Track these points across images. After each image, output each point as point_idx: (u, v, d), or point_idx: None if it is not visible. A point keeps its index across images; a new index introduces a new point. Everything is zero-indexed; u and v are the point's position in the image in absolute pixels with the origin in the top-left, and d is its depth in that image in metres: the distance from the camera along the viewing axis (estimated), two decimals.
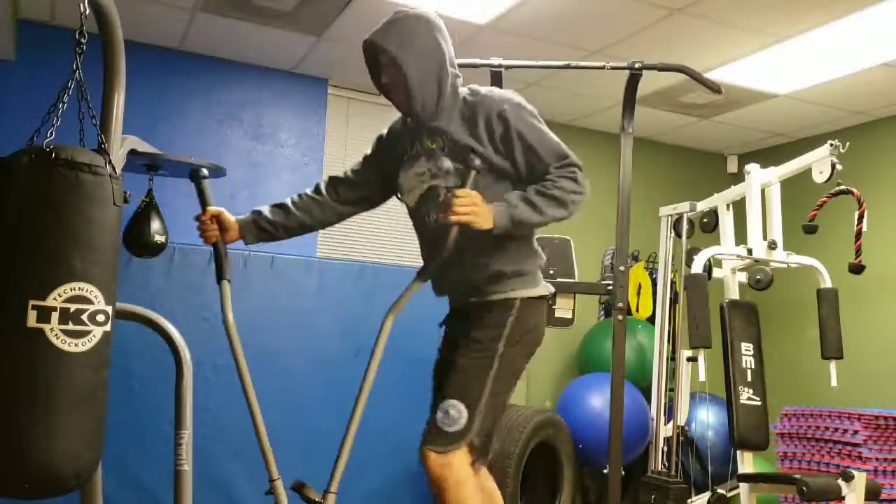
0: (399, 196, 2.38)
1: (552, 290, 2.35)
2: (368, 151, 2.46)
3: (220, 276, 2.34)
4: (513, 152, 2.17)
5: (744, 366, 3.86)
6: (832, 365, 3.95)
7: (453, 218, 2.08)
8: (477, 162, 2.14)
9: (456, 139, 2.18)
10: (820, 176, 3.92)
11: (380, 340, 2.27)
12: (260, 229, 2.40)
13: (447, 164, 2.17)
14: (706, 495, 4.02)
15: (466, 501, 2.10)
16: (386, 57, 2.15)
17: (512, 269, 2.21)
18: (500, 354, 2.16)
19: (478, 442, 2.14)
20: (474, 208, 2.08)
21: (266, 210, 2.42)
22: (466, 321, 2.24)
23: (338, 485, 2.22)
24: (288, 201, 2.44)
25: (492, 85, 3.60)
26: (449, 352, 2.30)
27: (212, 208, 2.37)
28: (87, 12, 1.94)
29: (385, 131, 2.43)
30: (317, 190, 2.46)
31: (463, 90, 2.24)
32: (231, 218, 2.38)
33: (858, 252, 3.91)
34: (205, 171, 2.40)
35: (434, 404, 2.33)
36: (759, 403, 3.82)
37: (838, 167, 3.85)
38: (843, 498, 3.39)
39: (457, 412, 2.09)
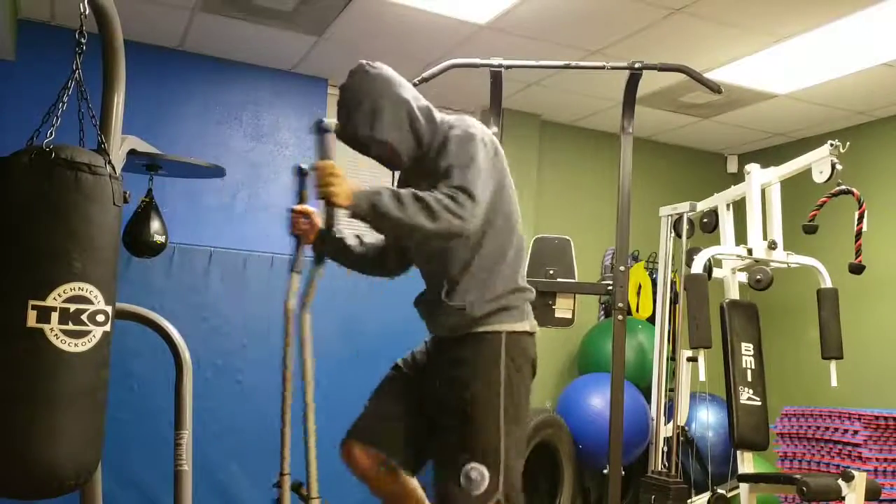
0: None
1: (536, 328, 2.27)
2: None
3: (291, 268, 2.45)
4: (437, 165, 2.13)
5: (744, 366, 3.86)
6: (832, 365, 3.95)
7: (318, 189, 2.07)
8: (326, 121, 2.16)
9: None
10: (820, 176, 3.92)
11: (305, 339, 2.28)
12: (341, 244, 2.44)
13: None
14: (706, 495, 4.02)
15: None
16: (364, 139, 2.19)
17: (495, 303, 2.17)
18: (503, 406, 2.11)
19: (504, 495, 2.11)
20: (331, 179, 2.05)
21: (350, 236, 2.47)
22: (449, 360, 2.19)
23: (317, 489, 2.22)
24: (367, 238, 2.49)
25: (492, 84, 3.60)
26: (426, 378, 2.25)
27: (306, 206, 2.43)
28: (87, 12, 1.94)
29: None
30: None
31: (440, 118, 2.25)
32: (318, 221, 2.40)
33: (858, 252, 3.91)
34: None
35: (378, 400, 2.31)
36: (759, 403, 3.82)
37: (838, 167, 3.85)
38: (844, 498, 3.39)
39: (478, 475, 2.06)
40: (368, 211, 2.03)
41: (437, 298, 2.19)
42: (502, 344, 2.15)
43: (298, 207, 2.44)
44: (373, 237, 2.45)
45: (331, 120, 2.24)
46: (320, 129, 2.24)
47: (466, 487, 2.06)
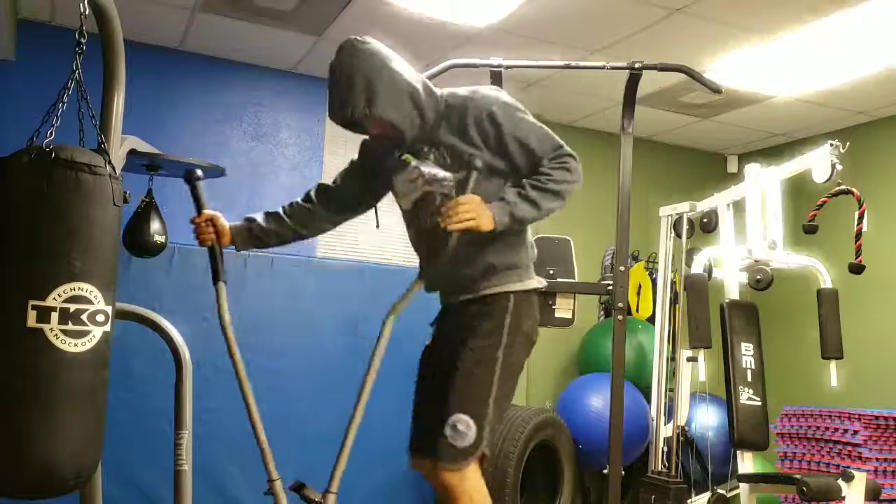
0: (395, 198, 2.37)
1: (544, 283, 2.33)
2: (355, 156, 2.45)
3: (215, 279, 2.34)
4: (508, 152, 2.18)
5: (744, 366, 3.86)
6: (832, 365, 3.95)
7: (458, 225, 2.08)
8: (478, 163, 2.15)
9: (448, 146, 2.18)
10: (820, 176, 3.92)
11: (381, 342, 2.27)
12: (252, 236, 2.39)
13: (441, 173, 2.18)
14: (706, 495, 4.02)
15: None
16: (360, 116, 2.12)
17: (504, 263, 2.21)
18: (500, 362, 2.14)
19: (488, 451, 2.12)
20: (477, 212, 2.09)
21: (259, 217, 2.41)
22: (460, 321, 2.23)
23: (338, 485, 2.22)
24: (280, 210, 2.42)
25: (492, 84, 3.60)
26: (443, 352, 2.26)
27: (207, 211, 2.36)
28: (87, 12, 1.94)
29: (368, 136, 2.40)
30: (307, 198, 2.44)
31: (443, 91, 2.24)
32: (225, 223, 2.37)
33: (858, 252, 3.91)
34: (199, 173, 2.37)
35: (415, 406, 2.33)
36: (759, 403, 3.82)
37: (838, 167, 3.85)
38: (844, 498, 3.39)
39: (465, 426, 2.07)
40: (511, 224, 2.13)
41: (451, 263, 2.19)
42: (510, 304, 2.19)
43: (203, 217, 2.35)
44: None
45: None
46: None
47: (451, 438, 2.07)
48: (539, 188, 2.14)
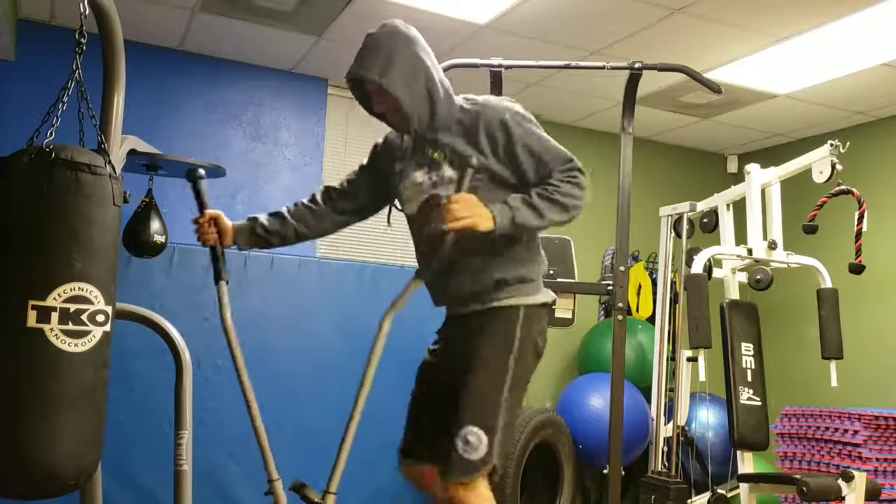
0: (399, 207, 2.35)
1: (553, 297, 2.31)
2: (364, 161, 2.44)
3: (217, 278, 2.34)
4: (518, 162, 2.15)
5: (744, 366, 3.86)
6: (832, 365, 3.95)
7: (455, 224, 2.05)
8: (474, 160, 2.12)
9: (456, 149, 2.16)
10: (820, 176, 3.92)
11: (378, 340, 2.27)
12: (255, 236, 2.39)
13: (448, 172, 2.16)
14: (706, 495, 4.02)
15: None
16: (372, 86, 2.14)
17: (513, 276, 2.19)
18: (511, 374, 2.13)
19: (499, 463, 2.10)
20: (474, 210, 2.06)
21: (263, 217, 2.41)
22: (469, 333, 2.20)
23: (337, 485, 2.22)
24: (284, 210, 2.42)
25: (491, 84, 3.60)
26: (450, 364, 2.24)
27: (210, 211, 2.36)
28: (87, 12, 1.94)
29: (381, 140, 2.40)
30: (312, 199, 2.44)
31: (458, 98, 2.22)
32: (228, 222, 2.37)
33: (858, 252, 3.91)
34: (202, 172, 2.37)
35: (413, 411, 2.32)
36: (759, 403, 3.82)
37: (838, 167, 3.85)
38: (843, 498, 3.39)
39: (476, 439, 2.05)
40: (511, 229, 2.09)
41: (459, 276, 2.21)
42: (520, 317, 2.18)
43: (205, 216, 2.35)
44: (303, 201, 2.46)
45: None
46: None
47: (462, 450, 2.05)
48: (546, 197, 2.11)
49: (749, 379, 3.84)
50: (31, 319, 1.73)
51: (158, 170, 3.49)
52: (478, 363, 2.13)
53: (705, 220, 4.50)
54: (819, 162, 3.92)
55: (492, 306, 2.18)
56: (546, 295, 2.26)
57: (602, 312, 5.30)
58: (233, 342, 2.28)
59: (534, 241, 2.27)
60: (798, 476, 3.45)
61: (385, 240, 4.84)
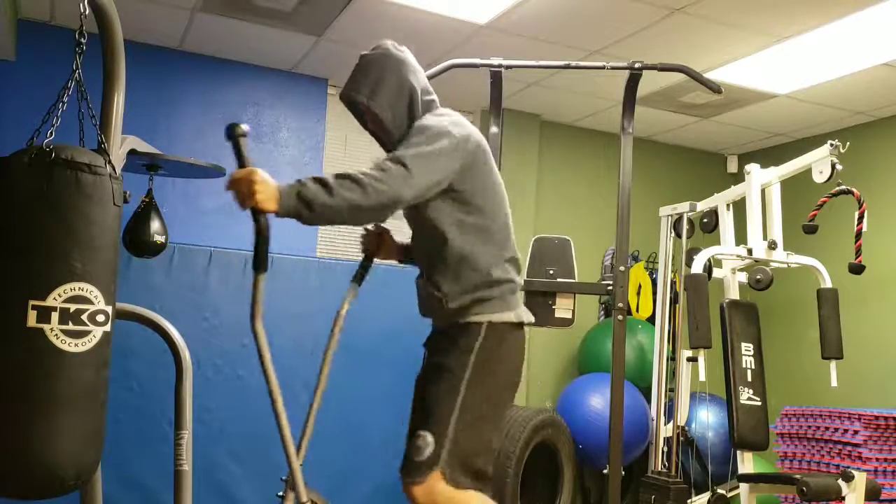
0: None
1: (530, 319, 2.28)
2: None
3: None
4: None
5: (744, 366, 3.86)
6: (832, 365, 3.95)
7: (241, 204, 1.94)
8: (244, 127, 1.99)
9: None
10: (820, 176, 3.92)
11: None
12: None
13: None
14: (706, 495, 4.02)
15: None
16: (362, 107, 2.23)
17: (474, 296, 2.17)
18: (466, 382, 2.12)
19: (490, 471, 2.12)
20: (250, 188, 1.89)
21: None
22: (436, 345, 2.26)
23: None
24: None
25: (492, 84, 3.60)
26: (422, 375, 2.30)
27: (378, 226, 2.44)
28: (87, 12, 1.94)
29: None
30: None
31: (437, 112, 2.27)
32: (393, 238, 2.45)
33: (858, 252, 3.91)
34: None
35: (410, 424, 2.32)
36: (759, 403, 3.82)
37: (838, 167, 3.85)
38: (843, 498, 3.39)
39: (423, 442, 2.08)
40: (298, 205, 1.93)
41: (422, 283, 2.26)
42: (481, 333, 2.16)
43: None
44: None
45: (244, 125, 2.04)
46: (233, 135, 1.99)
47: (411, 452, 2.10)
48: (341, 175, 1.98)
49: (749, 379, 3.84)
50: (32, 319, 1.73)
51: (158, 170, 3.50)
52: (434, 370, 2.19)
53: (705, 220, 4.50)
54: (819, 162, 3.92)
55: (457, 321, 2.18)
56: (516, 315, 2.22)
57: (602, 312, 5.30)
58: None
59: (499, 261, 2.21)
60: (798, 476, 3.45)
61: None
